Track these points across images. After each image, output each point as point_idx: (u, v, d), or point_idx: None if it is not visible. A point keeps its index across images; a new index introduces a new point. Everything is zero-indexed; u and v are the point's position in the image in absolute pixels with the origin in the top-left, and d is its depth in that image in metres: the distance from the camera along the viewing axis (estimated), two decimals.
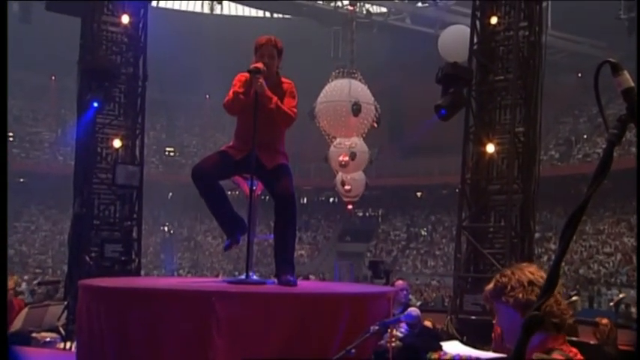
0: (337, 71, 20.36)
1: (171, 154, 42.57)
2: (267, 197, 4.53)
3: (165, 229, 40.49)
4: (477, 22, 9.71)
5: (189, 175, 4.31)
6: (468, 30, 10.09)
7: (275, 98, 4.21)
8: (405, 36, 33.13)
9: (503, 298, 2.08)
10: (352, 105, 18.23)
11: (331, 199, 40.20)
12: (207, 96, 40.20)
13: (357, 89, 19.12)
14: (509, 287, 2.08)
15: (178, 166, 40.53)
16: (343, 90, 18.93)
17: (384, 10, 33.66)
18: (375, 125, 19.81)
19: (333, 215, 40.83)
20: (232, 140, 4.44)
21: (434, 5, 31.71)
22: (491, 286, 2.17)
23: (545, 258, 27.58)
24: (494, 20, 9.46)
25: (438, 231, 37.08)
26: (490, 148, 9.33)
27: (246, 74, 4.22)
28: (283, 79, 4.40)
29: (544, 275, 2.03)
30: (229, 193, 4.47)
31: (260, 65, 4.15)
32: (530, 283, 2.06)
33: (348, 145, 20.12)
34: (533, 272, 2.09)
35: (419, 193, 40.93)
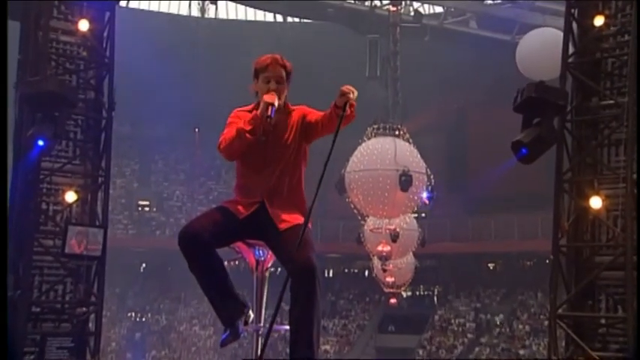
0: (375, 126, 20.15)
1: (146, 209, 42.83)
2: (280, 270, 4.48)
3: (135, 315, 40.42)
4: (574, 24, 9.70)
5: (170, 238, 4.27)
6: (560, 35, 10.08)
7: None
8: (470, 45, 33.27)
9: None
10: (400, 176, 17.92)
11: (367, 272, 39.92)
12: (197, 129, 40.63)
13: (405, 152, 18.87)
14: None
15: (155, 225, 40.77)
16: (386, 154, 18.69)
17: (439, 10, 33.83)
18: (427, 202, 19.55)
19: (371, 294, 40.52)
20: (234, 193, 4.46)
21: (510, 2, 31.79)
22: None
23: None
24: (599, 21, 9.45)
25: (521, 319, 36.57)
26: (596, 202, 9.25)
27: (246, 112, 4.29)
28: (292, 107, 4.46)
29: None
30: (226, 263, 4.43)
31: (272, 98, 4.16)
32: None
33: (390, 231, 19.69)
34: None
35: (491, 265, 40.64)
